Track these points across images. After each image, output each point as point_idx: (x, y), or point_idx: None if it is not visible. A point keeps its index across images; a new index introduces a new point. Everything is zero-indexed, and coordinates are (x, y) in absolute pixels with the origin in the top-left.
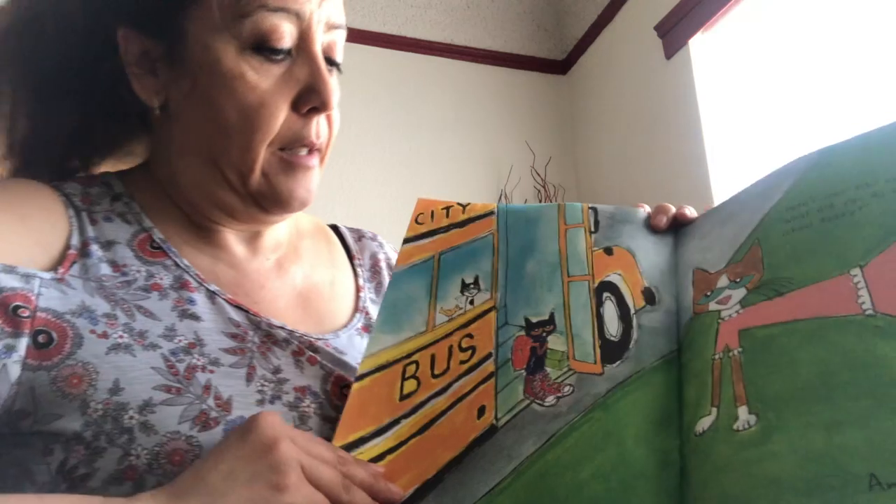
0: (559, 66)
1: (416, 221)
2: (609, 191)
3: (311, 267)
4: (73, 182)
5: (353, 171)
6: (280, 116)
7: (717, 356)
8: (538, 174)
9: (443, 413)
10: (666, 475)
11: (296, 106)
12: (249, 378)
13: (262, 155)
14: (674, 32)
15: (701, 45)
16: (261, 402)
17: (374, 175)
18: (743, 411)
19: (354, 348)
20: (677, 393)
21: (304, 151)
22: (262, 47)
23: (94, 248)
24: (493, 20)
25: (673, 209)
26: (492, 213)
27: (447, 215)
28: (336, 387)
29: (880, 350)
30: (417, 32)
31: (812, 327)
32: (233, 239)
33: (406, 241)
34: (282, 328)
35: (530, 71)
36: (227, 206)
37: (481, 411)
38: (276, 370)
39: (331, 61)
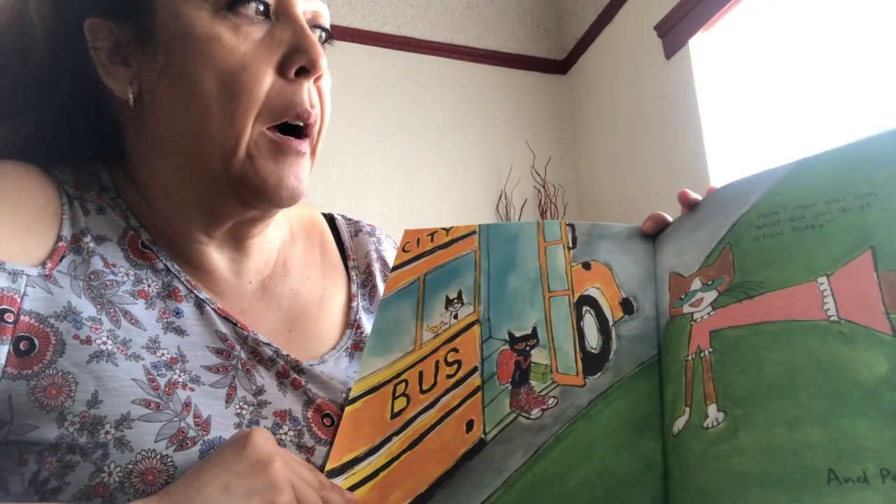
0: (559, 66)
1: (403, 250)
2: (609, 190)
3: (299, 281)
4: (64, 166)
5: (353, 171)
6: (265, 81)
7: (689, 357)
8: (538, 174)
9: (432, 428)
10: (650, 479)
11: (282, 70)
12: (228, 400)
13: (249, 131)
14: (674, 32)
15: (701, 45)
16: (238, 426)
17: (374, 175)
18: (712, 409)
19: (341, 372)
20: (658, 396)
21: (295, 134)
22: (236, 2)
23: (86, 242)
24: (493, 20)
25: (668, 219)
26: (473, 232)
27: (432, 240)
28: (317, 414)
29: (843, 354)
30: (417, 32)
31: (779, 330)
32: (217, 257)
33: (393, 269)
34: (268, 345)
35: (530, 71)
36: (207, 205)
37: (469, 425)
38: (259, 391)
39: (319, 27)
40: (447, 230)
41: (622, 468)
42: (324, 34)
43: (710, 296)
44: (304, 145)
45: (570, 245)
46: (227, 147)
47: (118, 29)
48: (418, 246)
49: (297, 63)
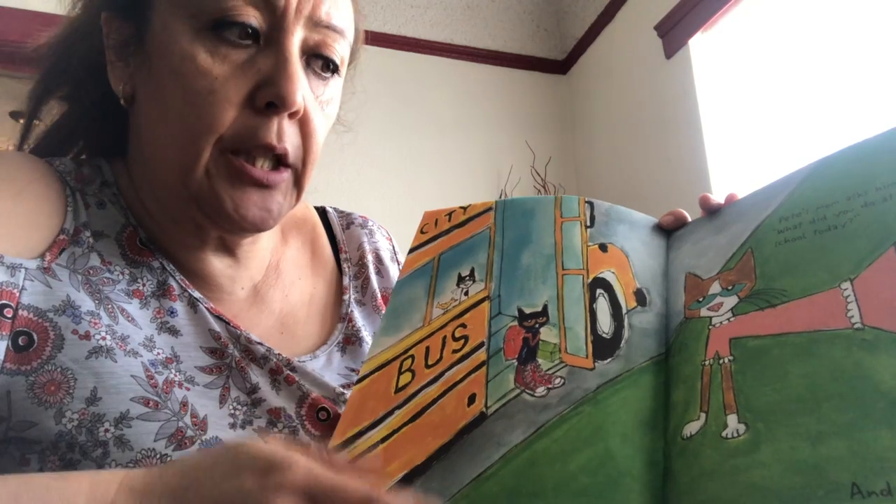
0: (559, 66)
1: (422, 231)
2: (609, 190)
3: (290, 283)
4: (66, 159)
5: (353, 171)
6: (230, 110)
7: (707, 362)
8: (538, 174)
9: (434, 401)
10: (651, 475)
11: (252, 101)
12: (222, 400)
13: (208, 152)
14: (674, 32)
15: (701, 45)
16: (232, 426)
17: (374, 175)
18: (732, 420)
19: (333, 368)
20: (664, 395)
21: (262, 163)
22: (220, 25)
23: (85, 236)
24: (493, 20)
25: (688, 218)
26: (490, 208)
27: (449, 219)
28: (311, 410)
29: (867, 363)
30: (417, 32)
31: (802, 341)
32: (211, 262)
33: (411, 250)
34: (260, 344)
35: (530, 71)
36: (188, 214)
37: (471, 399)
38: (254, 389)
39: (322, 56)
40: (465, 208)
41: (625, 459)
42: (329, 65)
43: (731, 301)
44: (273, 177)
45: (588, 223)
46: (186, 163)
47: (125, 27)
48: (436, 227)
49: (265, 97)
